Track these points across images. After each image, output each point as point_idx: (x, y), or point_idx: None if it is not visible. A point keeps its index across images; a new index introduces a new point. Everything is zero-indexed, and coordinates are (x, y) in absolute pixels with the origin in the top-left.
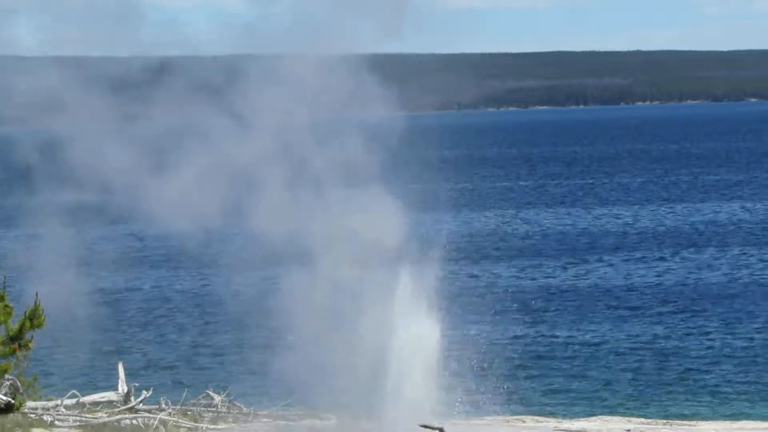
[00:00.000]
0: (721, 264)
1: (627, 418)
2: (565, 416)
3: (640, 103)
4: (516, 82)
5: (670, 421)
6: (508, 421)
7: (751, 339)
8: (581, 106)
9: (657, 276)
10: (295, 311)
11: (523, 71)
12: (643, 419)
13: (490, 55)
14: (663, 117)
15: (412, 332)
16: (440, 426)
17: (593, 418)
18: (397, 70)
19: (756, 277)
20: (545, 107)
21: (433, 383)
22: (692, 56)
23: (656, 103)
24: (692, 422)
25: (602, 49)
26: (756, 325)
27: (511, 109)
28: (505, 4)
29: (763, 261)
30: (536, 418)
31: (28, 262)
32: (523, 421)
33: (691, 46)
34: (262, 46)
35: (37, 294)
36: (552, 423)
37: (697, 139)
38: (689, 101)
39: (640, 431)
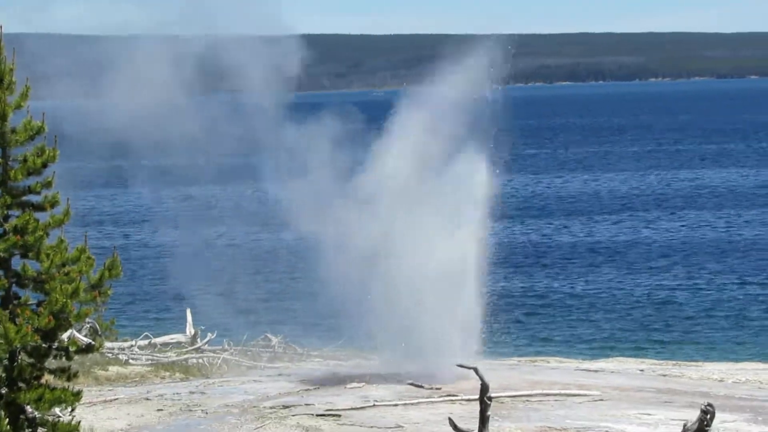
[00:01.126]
0: (722, 223)
1: (640, 360)
2: (585, 358)
3: (653, 80)
4: (543, 59)
5: (678, 362)
6: (534, 362)
7: (750, 292)
8: (600, 82)
9: (665, 233)
10: (341, 261)
11: (549, 50)
12: (654, 360)
13: (519, 35)
14: (673, 92)
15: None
16: (474, 366)
17: (610, 359)
18: (436, 48)
19: (754, 234)
20: (568, 83)
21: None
22: (699, 37)
23: (667, 79)
24: (698, 363)
25: (619, 31)
26: (756, 279)
27: (538, 84)
28: None
29: (758, 221)
30: (559, 359)
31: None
32: (548, 362)
33: (698, 28)
34: None
35: (115, 247)
36: (574, 363)
37: (703, 112)
38: (697, 78)
39: (652, 370)
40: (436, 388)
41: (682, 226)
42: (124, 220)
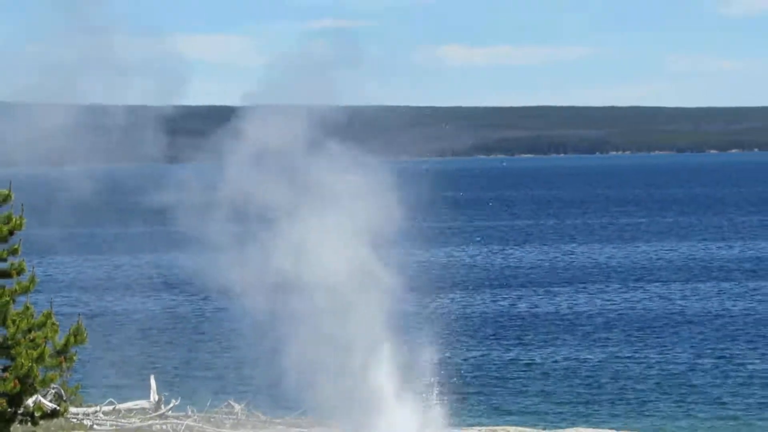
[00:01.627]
0: (684, 294)
1: (597, 431)
2: (545, 428)
3: (614, 153)
4: (504, 132)
5: None
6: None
7: (722, 366)
8: (561, 155)
9: (620, 304)
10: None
11: (510, 123)
12: (610, 431)
13: (483, 108)
14: (633, 165)
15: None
16: None
17: (571, 429)
18: (400, 121)
19: (708, 306)
20: (530, 155)
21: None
22: (659, 111)
23: (627, 152)
24: None
25: (579, 104)
26: (728, 352)
27: (499, 156)
28: (497, 62)
29: (717, 292)
30: (520, 429)
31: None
32: (508, 431)
33: (658, 103)
34: None
35: (79, 314)
36: None
37: (661, 185)
38: (656, 152)
39: None
40: None
41: (639, 297)
42: (87, 286)
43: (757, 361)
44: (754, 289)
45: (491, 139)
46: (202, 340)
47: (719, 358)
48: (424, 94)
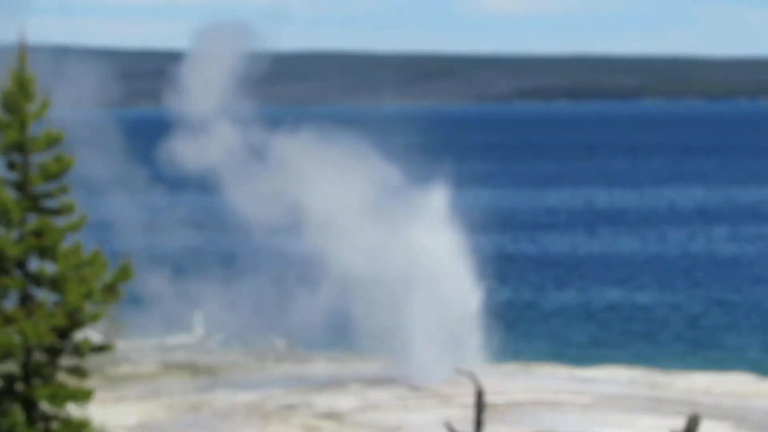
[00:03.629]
0: (704, 238)
1: (631, 368)
2: (577, 365)
3: (648, 99)
4: (541, 79)
5: (667, 371)
6: (528, 368)
7: (743, 305)
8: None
9: (662, 246)
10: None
11: (547, 70)
12: (644, 369)
13: (521, 55)
14: (666, 112)
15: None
16: (471, 371)
17: (602, 367)
18: (444, 67)
19: (745, 250)
20: (566, 101)
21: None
22: (692, 60)
23: (660, 99)
24: (687, 373)
25: (615, 53)
26: (748, 293)
27: (536, 101)
28: (539, 9)
29: (739, 237)
30: (552, 366)
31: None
32: (541, 368)
33: (691, 52)
34: None
35: (127, 251)
36: (566, 370)
37: (691, 132)
38: (689, 99)
39: (642, 379)
40: (434, 392)
41: (684, 239)
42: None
43: None
44: None
45: (528, 85)
46: (246, 278)
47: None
48: (464, 40)
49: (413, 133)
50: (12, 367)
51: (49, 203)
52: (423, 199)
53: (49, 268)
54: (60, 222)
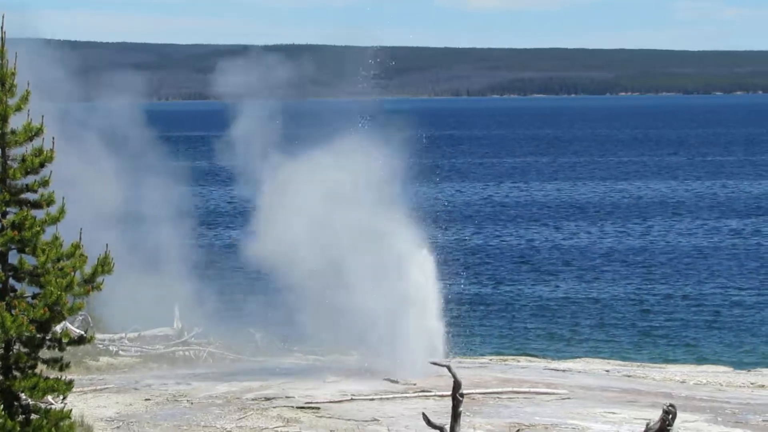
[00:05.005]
0: (689, 228)
1: (606, 360)
2: (553, 357)
3: (623, 94)
4: (518, 73)
5: (642, 363)
6: (504, 360)
7: (717, 297)
8: (572, 95)
9: (634, 239)
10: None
11: (524, 64)
12: (619, 361)
13: (498, 49)
14: (641, 106)
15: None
16: (447, 363)
17: (577, 359)
18: (419, 60)
19: (716, 241)
20: (542, 95)
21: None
22: (668, 55)
23: (636, 94)
24: (662, 365)
25: (591, 47)
26: (722, 285)
27: (512, 96)
28: (514, 6)
29: (720, 228)
30: (528, 358)
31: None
32: (518, 361)
33: (667, 47)
34: None
35: (107, 244)
36: (542, 363)
37: (668, 126)
38: (664, 93)
39: (617, 371)
40: (411, 384)
41: (651, 232)
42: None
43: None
44: (756, 225)
45: (505, 79)
46: (224, 273)
47: (730, 289)
48: (443, 36)
49: (390, 126)
50: None
51: (30, 196)
52: (391, 193)
53: (29, 261)
54: (40, 215)
